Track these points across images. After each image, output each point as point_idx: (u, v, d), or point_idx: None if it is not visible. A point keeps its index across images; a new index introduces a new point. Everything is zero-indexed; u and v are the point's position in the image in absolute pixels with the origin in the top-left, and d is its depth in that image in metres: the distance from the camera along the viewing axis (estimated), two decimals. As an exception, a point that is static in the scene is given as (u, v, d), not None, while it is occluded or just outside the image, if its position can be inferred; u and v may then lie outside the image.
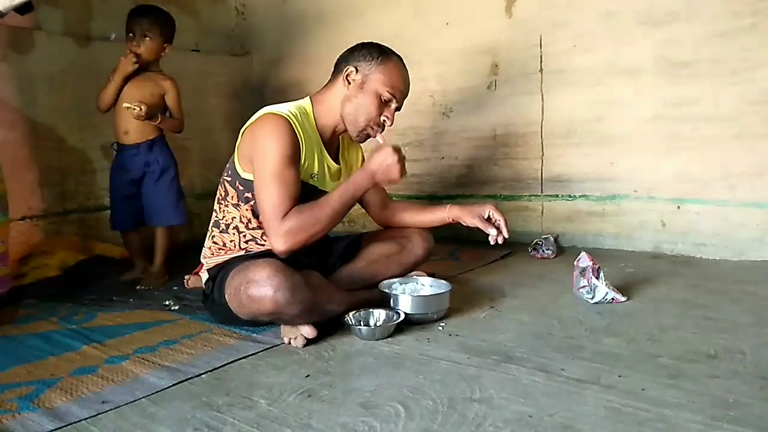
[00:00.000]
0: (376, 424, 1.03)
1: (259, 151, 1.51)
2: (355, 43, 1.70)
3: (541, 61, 2.61)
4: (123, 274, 2.36)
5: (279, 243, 1.47)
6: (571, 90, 2.55)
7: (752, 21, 2.10)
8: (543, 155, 2.67)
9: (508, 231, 1.70)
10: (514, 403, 1.09)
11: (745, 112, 2.15)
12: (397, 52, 1.69)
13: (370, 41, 1.69)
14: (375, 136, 1.67)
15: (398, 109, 1.68)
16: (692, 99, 2.25)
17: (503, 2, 2.69)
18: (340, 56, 1.70)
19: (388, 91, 1.62)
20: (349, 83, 1.63)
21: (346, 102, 1.63)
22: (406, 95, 1.70)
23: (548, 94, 2.62)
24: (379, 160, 1.53)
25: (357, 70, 1.63)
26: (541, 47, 2.60)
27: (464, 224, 1.77)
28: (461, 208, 1.77)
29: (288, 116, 1.54)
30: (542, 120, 2.65)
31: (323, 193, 1.63)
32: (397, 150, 1.53)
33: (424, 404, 1.10)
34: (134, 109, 2.13)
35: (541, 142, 2.66)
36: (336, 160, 1.72)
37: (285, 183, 1.49)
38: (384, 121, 1.65)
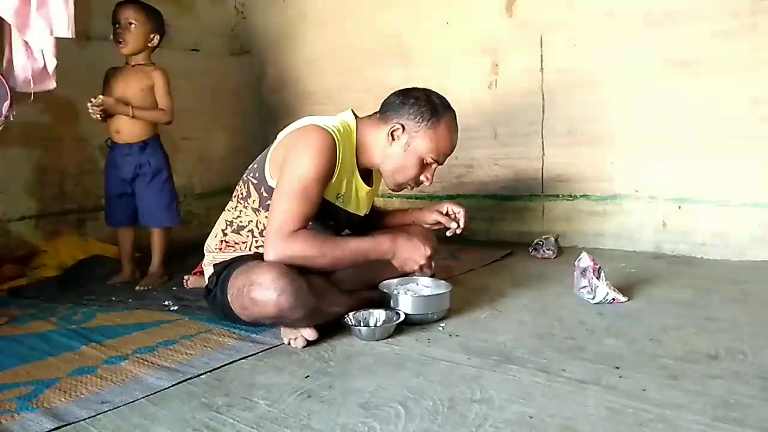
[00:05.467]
0: (375, 425, 1.02)
1: (295, 161, 1.47)
2: (411, 87, 1.64)
3: (541, 61, 2.60)
4: (111, 278, 2.32)
5: (271, 255, 1.43)
6: (571, 89, 2.54)
7: (753, 21, 2.10)
8: (543, 155, 2.67)
9: (467, 222, 1.74)
10: (515, 404, 1.08)
11: (745, 112, 2.15)
12: (449, 103, 1.64)
13: (426, 93, 1.62)
14: (411, 190, 1.70)
15: (441, 164, 1.66)
16: (692, 99, 2.25)
17: (503, 2, 2.69)
18: (391, 99, 1.64)
19: (431, 157, 1.59)
20: (393, 139, 1.59)
21: (387, 158, 1.61)
22: (452, 152, 1.67)
23: (549, 94, 2.61)
24: (409, 249, 1.55)
25: (404, 129, 1.58)
26: (541, 47, 2.60)
27: (426, 224, 1.80)
28: (421, 209, 1.82)
29: (334, 133, 1.52)
30: (543, 120, 2.64)
31: (345, 212, 1.64)
32: (430, 253, 1.57)
33: (424, 405, 1.09)
34: (95, 107, 2.10)
35: (542, 142, 2.66)
36: (367, 182, 1.70)
37: (309, 200, 1.46)
38: (423, 180, 1.64)
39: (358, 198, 1.68)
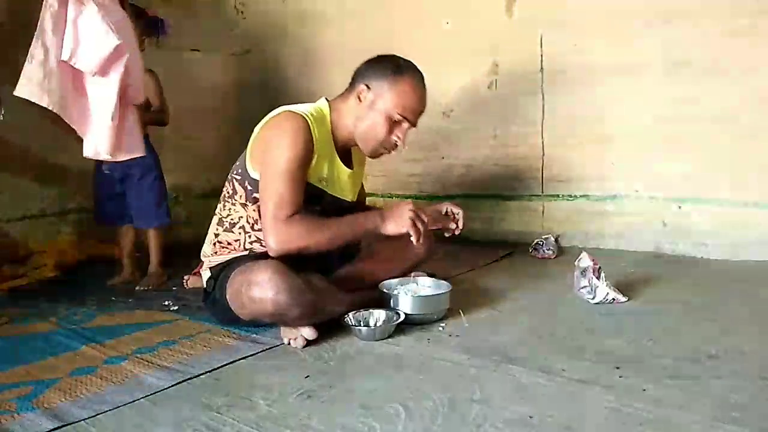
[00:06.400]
0: (375, 425, 1.02)
1: (274, 148, 1.50)
2: (375, 55, 1.65)
3: (541, 61, 2.60)
4: (111, 278, 2.32)
5: (274, 242, 1.45)
6: (571, 89, 2.54)
7: (753, 20, 2.10)
8: (543, 155, 2.66)
9: (465, 223, 1.72)
10: (515, 404, 1.08)
11: (746, 112, 2.15)
12: (416, 65, 1.64)
13: (390, 54, 1.64)
14: (389, 153, 1.67)
15: (413, 125, 1.64)
16: (693, 98, 2.25)
17: (503, 2, 2.69)
18: (359, 68, 1.66)
19: (398, 113, 1.58)
20: (361, 101, 1.60)
21: (358, 121, 1.61)
22: (422, 112, 1.65)
23: (549, 94, 2.61)
24: (396, 212, 1.53)
25: (369, 88, 1.59)
26: (541, 46, 2.60)
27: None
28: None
29: (306, 116, 1.53)
30: (543, 119, 2.64)
31: (330, 196, 1.64)
32: (415, 212, 1.52)
33: (425, 405, 1.09)
34: None
35: (542, 142, 2.66)
36: (348, 165, 1.70)
37: (295, 183, 1.47)
38: (395, 141, 1.62)
39: (341, 181, 1.68)
